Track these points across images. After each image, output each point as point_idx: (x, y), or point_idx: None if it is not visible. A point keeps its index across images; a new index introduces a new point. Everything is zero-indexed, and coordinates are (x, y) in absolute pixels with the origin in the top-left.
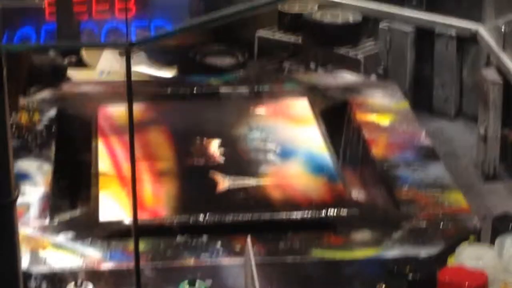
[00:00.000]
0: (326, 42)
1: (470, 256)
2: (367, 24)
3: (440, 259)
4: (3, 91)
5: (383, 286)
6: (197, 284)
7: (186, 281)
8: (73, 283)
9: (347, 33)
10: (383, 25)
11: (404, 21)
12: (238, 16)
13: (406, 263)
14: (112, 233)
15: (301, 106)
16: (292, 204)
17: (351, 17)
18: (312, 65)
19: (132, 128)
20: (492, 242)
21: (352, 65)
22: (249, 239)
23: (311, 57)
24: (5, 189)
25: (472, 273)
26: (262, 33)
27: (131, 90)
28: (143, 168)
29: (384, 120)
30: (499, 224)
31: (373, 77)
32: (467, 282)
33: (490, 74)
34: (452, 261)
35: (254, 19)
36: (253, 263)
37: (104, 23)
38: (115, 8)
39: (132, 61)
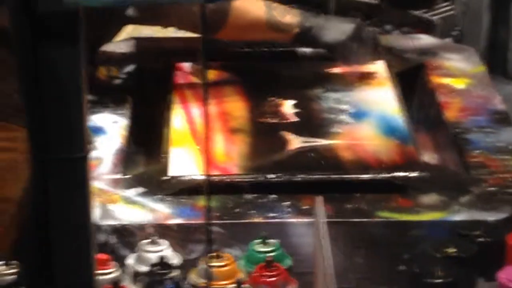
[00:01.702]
0: (402, 3)
1: None
2: None
3: (508, 224)
4: (79, 45)
5: (453, 249)
6: (269, 242)
7: (258, 239)
8: (149, 240)
9: None
10: None
11: None
12: None
13: (474, 227)
14: (182, 189)
15: (377, 67)
16: (362, 165)
17: None
18: (388, 27)
19: (206, 85)
20: None
21: (427, 27)
22: (318, 199)
23: (387, 19)
24: (78, 144)
25: None
26: None
27: (205, 48)
28: (215, 126)
29: (460, 84)
30: None
31: (448, 40)
32: None
33: None
34: None
35: None
36: (323, 222)
37: None
38: None
39: None
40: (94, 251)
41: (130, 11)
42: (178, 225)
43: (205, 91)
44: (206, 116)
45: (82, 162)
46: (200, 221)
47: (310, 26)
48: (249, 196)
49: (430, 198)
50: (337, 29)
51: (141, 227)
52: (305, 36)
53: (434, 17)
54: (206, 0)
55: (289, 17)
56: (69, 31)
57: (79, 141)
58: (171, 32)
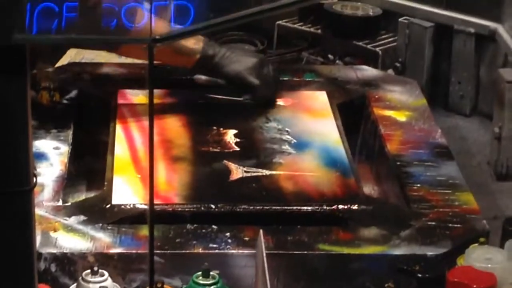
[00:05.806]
0: (345, 34)
1: (479, 258)
2: (387, 18)
3: (447, 259)
4: (26, 79)
5: (392, 285)
6: (211, 275)
7: (200, 272)
8: (89, 270)
9: (366, 26)
10: (402, 19)
11: (424, 16)
12: (265, 15)
13: (415, 262)
14: (124, 218)
15: (319, 98)
16: (303, 197)
17: (371, 10)
18: (331, 56)
19: (152, 118)
20: (502, 243)
21: (370, 58)
22: (261, 231)
23: (330, 48)
24: (24, 177)
25: (481, 274)
26: (282, 22)
27: (153, 86)
28: (157, 154)
29: (401, 116)
30: (510, 226)
31: (390, 71)
32: (475, 283)
33: (507, 73)
34: (461, 262)
35: None
36: (264, 255)
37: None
38: None
39: None
40: (36, 282)
41: None
42: (119, 254)
43: (151, 119)
44: (151, 144)
45: (28, 195)
46: (141, 250)
47: (213, 54)
48: (190, 226)
49: (370, 232)
50: (238, 61)
51: (82, 256)
52: (207, 63)
53: (377, 48)
54: (154, 40)
55: (193, 42)
56: (17, 65)
57: (24, 174)
58: (115, 57)
